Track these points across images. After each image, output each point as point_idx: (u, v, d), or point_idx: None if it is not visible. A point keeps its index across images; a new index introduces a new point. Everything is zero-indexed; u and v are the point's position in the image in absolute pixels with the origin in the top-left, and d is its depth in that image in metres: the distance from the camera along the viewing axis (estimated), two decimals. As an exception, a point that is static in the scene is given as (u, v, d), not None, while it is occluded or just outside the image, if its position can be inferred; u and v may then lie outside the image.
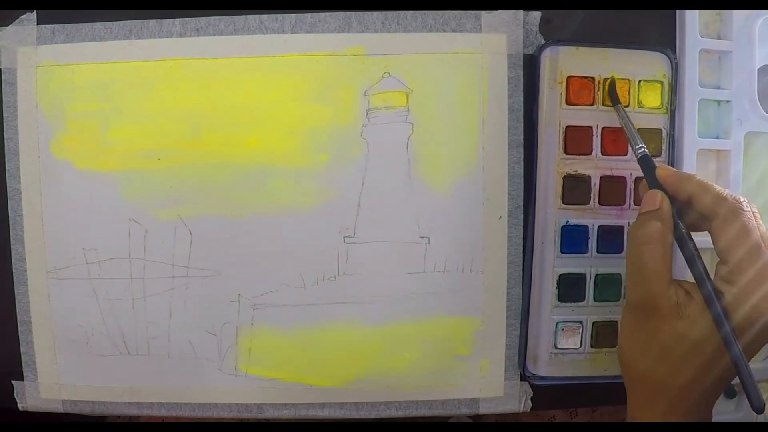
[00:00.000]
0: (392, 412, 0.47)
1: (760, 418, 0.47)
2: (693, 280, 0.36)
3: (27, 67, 0.45)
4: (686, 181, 0.37)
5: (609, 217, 0.44)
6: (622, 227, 0.44)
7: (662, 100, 0.44)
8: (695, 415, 0.37)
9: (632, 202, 0.44)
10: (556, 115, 0.44)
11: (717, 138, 0.46)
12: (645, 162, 0.40)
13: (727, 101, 0.45)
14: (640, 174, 0.43)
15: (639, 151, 0.40)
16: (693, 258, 0.36)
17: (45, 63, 0.45)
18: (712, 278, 0.36)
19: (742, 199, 0.35)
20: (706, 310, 0.35)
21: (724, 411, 0.48)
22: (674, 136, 0.44)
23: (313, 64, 0.45)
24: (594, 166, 0.44)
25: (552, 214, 0.44)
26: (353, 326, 0.46)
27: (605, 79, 0.44)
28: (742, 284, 0.34)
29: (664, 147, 0.44)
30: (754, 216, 0.35)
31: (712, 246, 0.45)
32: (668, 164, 0.44)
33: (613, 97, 0.43)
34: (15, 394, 0.48)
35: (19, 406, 0.48)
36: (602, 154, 0.44)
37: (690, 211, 0.37)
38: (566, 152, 0.44)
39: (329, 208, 0.45)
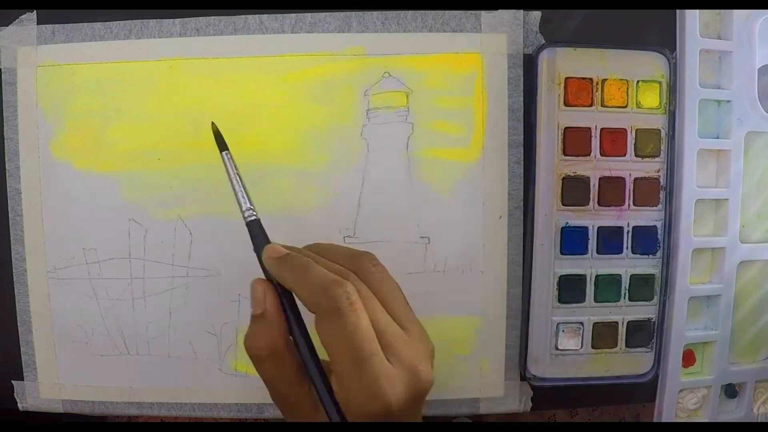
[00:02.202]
0: (392, 412, 0.47)
1: (756, 418, 0.47)
2: None
3: (27, 67, 0.45)
4: (285, 271, 0.33)
5: (608, 217, 0.44)
6: (621, 228, 0.44)
7: (661, 100, 0.44)
8: None
9: (632, 203, 0.44)
10: (554, 116, 0.44)
11: (717, 138, 0.45)
12: (253, 229, 0.35)
13: (728, 101, 0.45)
14: (640, 174, 0.44)
15: (248, 215, 0.35)
16: (307, 360, 0.33)
17: (45, 63, 0.45)
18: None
19: (346, 289, 0.31)
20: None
21: (724, 411, 0.48)
22: (673, 136, 0.44)
23: (313, 63, 0.45)
24: (593, 167, 0.44)
25: (552, 215, 0.44)
26: (353, 326, 0.46)
27: (604, 80, 0.43)
28: (356, 392, 0.31)
29: (663, 147, 0.44)
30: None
31: (712, 246, 0.46)
32: (667, 165, 0.44)
33: (219, 143, 0.38)
34: (15, 394, 0.48)
35: (19, 406, 0.48)
36: (601, 155, 0.44)
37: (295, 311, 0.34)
38: (565, 153, 0.44)
39: (329, 208, 0.45)
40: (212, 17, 0.45)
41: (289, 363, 0.33)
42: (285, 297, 0.34)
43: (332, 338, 0.31)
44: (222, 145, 0.37)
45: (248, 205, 0.35)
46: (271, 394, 0.34)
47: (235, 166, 0.37)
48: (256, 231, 0.36)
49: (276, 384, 0.34)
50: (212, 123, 0.39)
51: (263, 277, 0.35)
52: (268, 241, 0.35)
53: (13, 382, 0.48)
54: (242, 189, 0.36)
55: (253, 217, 0.35)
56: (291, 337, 0.34)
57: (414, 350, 0.33)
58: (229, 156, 0.37)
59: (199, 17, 0.45)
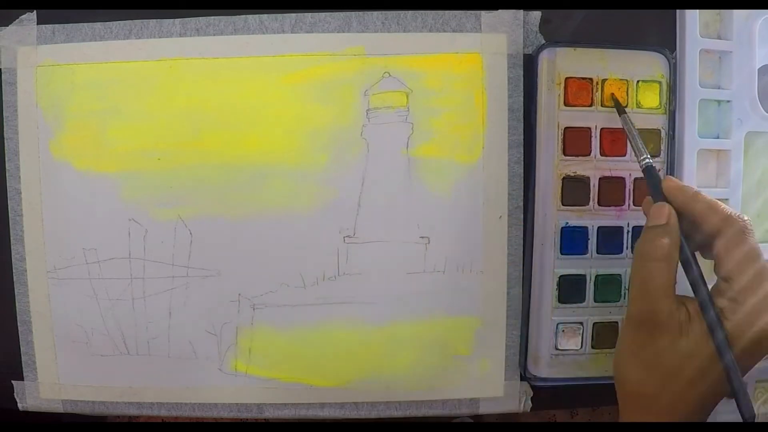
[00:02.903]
0: (392, 412, 0.47)
1: (762, 418, 0.47)
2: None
3: (27, 67, 0.45)
4: (693, 199, 0.37)
5: (608, 217, 0.44)
6: (621, 228, 0.44)
7: (661, 100, 0.44)
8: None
9: (631, 203, 0.44)
10: (554, 116, 0.44)
11: (717, 138, 0.45)
12: (650, 173, 0.39)
13: (728, 101, 0.45)
14: (639, 175, 0.44)
15: (644, 162, 0.40)
16: (697, 282, 0.36)
17: (45, 63, 0.45)
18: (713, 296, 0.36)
19: (746, 218, 0.35)
20: (704, 329, 0.35)
21: (725, 411, 0.48)
22: (673, 136, 0.44)
23: (313, 63, 0.45)
24: (593, 167, 0.44)
25: (552, 215, 0.44)
26: (353, 326, 0.46)
27: (604, 80, 0.44)
28: (748, 307, 0.34)
29: (663, 147, 0.44)
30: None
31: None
32: (667, 165, 0.44)
33: (618, 108, 0.43)
34: (15, 394, 0.48)
35: (19, 406, 0.48)
36: (601, 155, 0.44)
37: (694, 229, 0.37)
38: (565, 154, 0.44)
39: (329, 208, 0.45)
40: (212, 17, 0.45)
41: (674, 273, 0.36)
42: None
43: (737, 256, 0.34)
44: (621, 110, 0.43)
45: (644, 155, 0.40)
46: (640, 304, 0.37)
47: (632, 125, 0.42)
48: (653, 173, 0.39)
49: (655, 290, 0.36)
50: (612, 94, 0.44)
51: None
52: (660, 178, 0.39)
53: (13, 382, 0.48)
54: (641, 143, 0.41)
55: (647, 163, 0.39)
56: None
57: None
58: (628, 117, 0.42)
59: (199, 17, 0.45)
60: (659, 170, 0.44)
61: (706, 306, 0.35)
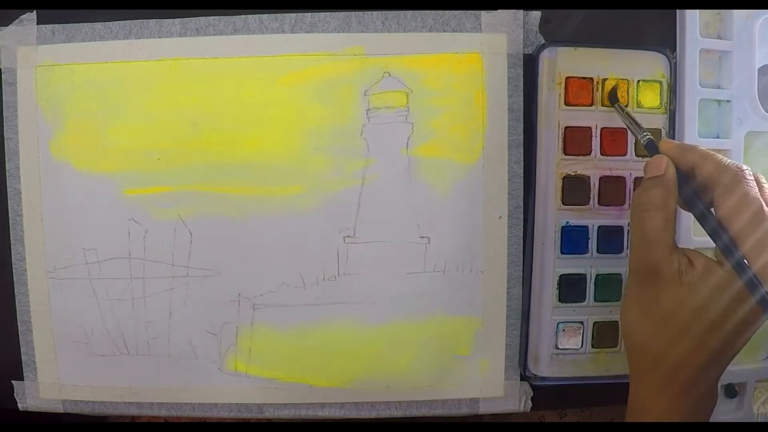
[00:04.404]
0: (392, 412, 0.47)
1: (756, 418, 0.47)
2: (694, 249, 0.37)
3: (27, 67, 0.45)
4: (688, 151, 0.37)
5: (609, 217, 0.44)
6: (621, 227, 0.44)
7: (661, 100, 0.44)
8: (692, 393, 0.37)
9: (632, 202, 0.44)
10: (555, 116, 0.44)
11: (717, 138, 0.46)
12: (650, 146, 0.39)
13: (728, 101, 0.45)
14: (640, 174, 0.44)
15: (644, 138, 0.40)
16: (716, 231, 0.35)
17: (45, 63, 0.45)
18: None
19: (744, 167, 0.35)
20: (707, 279, 0.35)
21: (725, 411, 0.48)
22: (673, 135, 0.44)
23: (313, 63, 0.45)
24: (593, 167, 0.44)
25: (552, 214, 0.44)
26: (353, 326, 0.46)
27: (604, 80, 0.44)
28: (744, 251, 0.34)
29: (663, 147, 0.44)
30: (759, 183, 0.35)
31: (712, 246, 0.45)
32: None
33: (612, 97, 0.43)
34: (15, 394, 0.48)
35: (19, 406, 0.48)
36: (601, 154, 0.44)
37: (693, 181, 0.37)
38: (565, 153, 0.44)
39: (329, 208, 0.45)
40: (212, 17, 0.45)
41: (672, 223, 0.36)
42: (680, 174, 0.37)
43: (734, 205, 0.34)
44: (614, 99, 0.44)
45: (643, 131, 0.40)
46: (639, 255, 0.37)
47: (625, 109, 0.43)
48: (654, 145, 0.39)
49: (653, 240, 0.36)
50: (616, 83, 0.44)
51: None
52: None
53: (13, 382, 0.48)
54: (637, 122, 0.41)
55: (647, 138, 0.40)
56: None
57: None
58: (619, 105, 0.43)
59: (199, 17, 0.45)
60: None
61: (729, 251, 0.34)
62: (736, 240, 0.34)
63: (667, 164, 0.37)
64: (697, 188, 0.37)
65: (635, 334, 0.38)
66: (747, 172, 0.35)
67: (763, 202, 0.34)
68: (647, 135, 0.40)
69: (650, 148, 0.39)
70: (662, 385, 0.37)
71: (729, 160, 0.36)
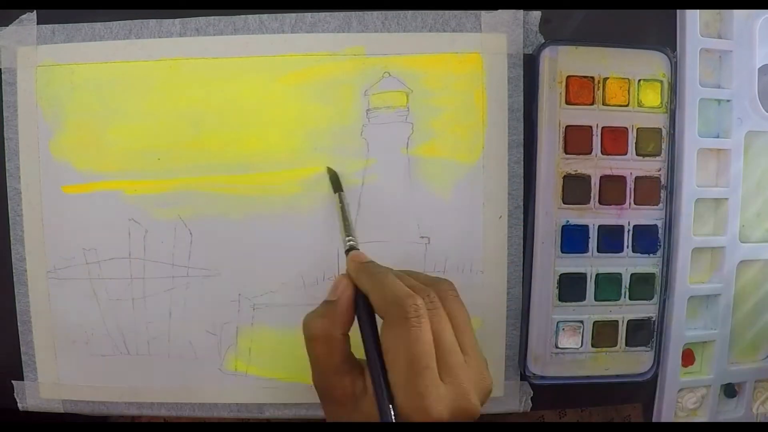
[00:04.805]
0: (392, 412, 0.47)
1: (756, 418, 0.47)
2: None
3: (27, 67, 0.45)
4: (364, 275, 0.36)
5: (609, 216, 0.44)
6: (622, 227, 0.44)
7: (662, 99, 0.44)
8: None
9: (632, 202, 0.44)
10: (555, 114, 0.44)
11: (717, 137, 0.46)
12: (350, 250, 0.39)
13: (728, 100, 0.45)
14: (641, 173, 0.44)
15: (346, 245, 0.39)
16: (370, 360, 0.34)
17: (45, 63, 0.45)
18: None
19: (417, 303, 0.33)
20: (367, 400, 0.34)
21: (724, 411, 0.48)
22: (674, 135, 0.44)
23: (313, 63, 0.45)
24: (594, 166, 0.44)
25: (552, 213, 0.44)
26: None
27: (605, 78, 0.44)
28: (405, 400, 0.32)
29: (663, 146, 0.44)
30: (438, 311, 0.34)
31: (712, 245, 0.46)
32: (667, 164, 0.44)
33: (335, 184, 0.44)
34: (15, 394, 0.48)
35: (19, 406, 0.48)
36: (602, 153, 0.44)
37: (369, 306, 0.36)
38: (566, 152, 0.44)
39: (329, 208, 0.45)
40: (212, 17, 0.45)
41: (339, 352, 0.35)
42: (362, 300, 0.36)
43: (393, 345, 0.33)
44: (337, 187, 0.44)
45: (349, 236, 0.40)
46: (314, 376, 0.36)
47: (344, 205, 0.43)
48: (352, 249, 0.39)
49: (321, 367, 0.36)
50: (328, 168, 0.45)
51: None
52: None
53: (13, 382, 0.48)
54: (349, 225, 0.41)
55: (348, 245, 0.40)
56: (353, 334, 0.36)
57: (469, 379, 0.34)
58: (343, 196, 0.43)
59: (199, 17, 0.45)
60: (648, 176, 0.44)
61: (376, 383, 0.33)
62: (391, 382, 0.33)
63: (344, 289, 0.36)
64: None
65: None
66: (417, 307, 0.33)
67: (424, 345, 0.32)
68: (349, 242, 0.40)
69: (349, 250, 0.39)
70: None
71: (403, 292, 0.34)
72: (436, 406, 0.32)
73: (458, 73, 0.45)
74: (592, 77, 0.44)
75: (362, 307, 0.36)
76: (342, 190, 0.43)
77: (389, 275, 0.35)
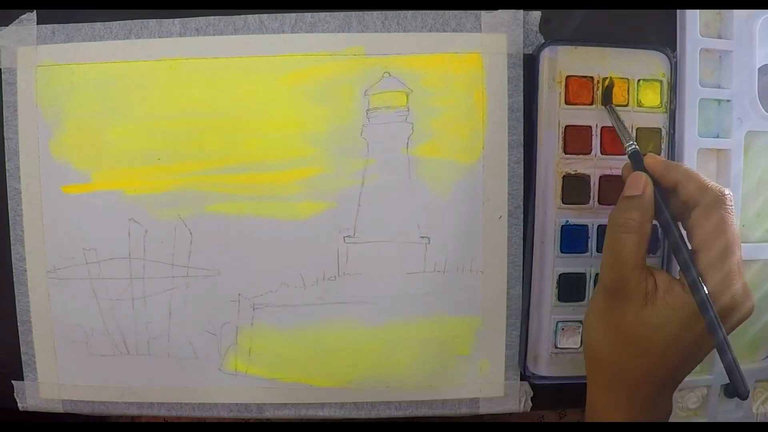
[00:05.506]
0: (392, 412, 0.47)
1: (756, 418, 0.47)
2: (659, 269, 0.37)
3: (27, 67, 0.45)
4: (673, 168, 0.37)
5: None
6: (622, 227, 0.44)
7: (662, 99, 0.44)
8: (653, 405, 0.38)
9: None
10: (555, 114, 0.44)
11: (717, 137, 0.45)
12: (635, 157, 0.39)
13: (728, 100, 0.45)
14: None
15: (629, 148, 0.40)
16: (678, 245, 0.36)
17: (45, 63, 0.45)
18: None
19: (726, 192, 0.35)
20: (668, 298, 0.35)
21: (724, 411, 0.48)
22: (674, 135, 0.44)
23: (313, 63, 0.45)
24: (593, 166, 0.44)
25: (552, 213, 0.44)
26: (353, 326, 0.46)
27: (604, 79, 0.44)
28: (712, 283, 0.34)
29: (663, 146, 0.44)
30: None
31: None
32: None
33: (606, 97, 0.43)
34: (15, 394, 0.48)
35: (19, 406, 0.48)
36: (602, 153, 0.44)
37: (674, 199, 0.37)
38: (566, 152, 0.44)
39: (329, 208, 0.45)
40: (212, 17, 0.45)
41: (645, 244, 0.37)
42: (658, 190, 0.37)
43: (710, 227, 0.35)
44: (607, 100, 0.43)
45: (629, 141, 0.40)
46: (609, 273, 0.37)
47: (617, 114, 0.42)
48: (638, 157, 0.39)
49: (624, 260, 0.36)
50: (609, 80, 0.44)
51: None
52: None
53: (13, 382, 0.48)
54: (625, 130, 0.41)
55: (633, 148, 0.40)
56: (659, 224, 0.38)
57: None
58: (613, 108, 0.43)
59: (199, 17, 0.45)
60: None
61: (686, 267, 0.35)
62: (700, 263, 0.35)
63: (645, 184, 0.37)
64: (678, 205, 0.37)
65: (599, 348, 0.38)
66: (729, 197, 0.35)
67: (736, 230, 0.35)
68: (633, 145, 0.40)
69: (634, 159, 0.39)
70: (627, 398, 0.38)
71: (713, 183, 0.36)
72: (739, 290, 0.34)
73: (458, 73, 0.45)
74: (592, 77, 0.44)
75: (661, 199, 0.37)
76: (611, 102, 0.43)
77: (691, 169, 0.37)
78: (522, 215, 0.46)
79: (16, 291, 0.46)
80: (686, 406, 0.47)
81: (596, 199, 0.44)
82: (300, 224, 0.45)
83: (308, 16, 0.45)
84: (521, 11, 0.45)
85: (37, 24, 0.45)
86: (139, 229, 0.46)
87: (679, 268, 0.36)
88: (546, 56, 0.43)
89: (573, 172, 0.44)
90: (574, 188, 0.44)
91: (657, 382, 0.37)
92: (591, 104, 0.44)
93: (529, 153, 0.45)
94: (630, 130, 0.43)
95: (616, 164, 0.44)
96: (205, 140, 0.45)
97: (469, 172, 0.45)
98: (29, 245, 0.46)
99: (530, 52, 0.45)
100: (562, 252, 0.44)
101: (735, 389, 0.34)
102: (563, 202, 0.44)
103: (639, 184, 0.37)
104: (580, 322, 0.45)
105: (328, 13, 0.45)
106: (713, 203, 0.35)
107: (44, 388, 0.48)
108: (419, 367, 0.47)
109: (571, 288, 0.45)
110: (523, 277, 0.46)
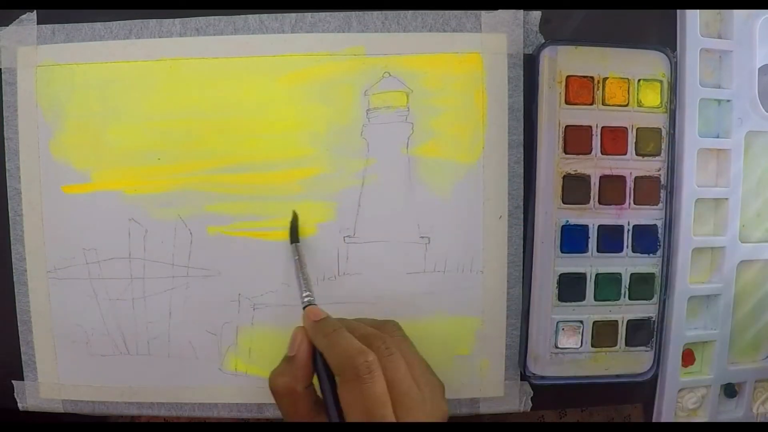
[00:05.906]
0: (392, 412, 0.47)
1: (756, 418, 0.47)
2: None
3: (27, 67, 0.45)
4: (319, 334, 0.37)
5: (609, 216, 0.44)
6: (622, 226, 0.44)
7: (662, 99, 0.44)
8: None
9: (632, 202, 0.44)
10: (555, 114, 0.44)
11: (717, 137, 0.45)
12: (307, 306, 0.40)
13: (728, 100, 0.45)
14: (640, 173, 0.44)
15: (305, 299, 0.40)
16: (330, 407, 0.36)
17: (45, 63, 0.45)
18: None
19: (365, 361, 0.34)
20: None
21: (724, 411, 0.48)
22: (674, 135, 0.44)
23: (313, 63, 0.45)
24: (594, 166, 0.44)
25: (552, 213, 0.44)
26: (353, 326, 0.46)
27: (605, 78, 0.43)
28: None
29: (663, 146, 0.44)
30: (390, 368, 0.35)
31: (712, 245, 0.46)
32: (667, 164, 0.44)
33: (293, 235, 0.44)
34: (15, 394, 0.48)
35: (19, 406, 0.48)
36: (602, 153, 0.44)
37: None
38: (566, 152, 0.44)
39: (329, 208, 0.45)
40: (212, 17, 0.45)
41: (303, 403, 0.37)
42: (319, 353, 0.37)
43: (350, 401, 0.34)
44: (294, 238, 0.44)
45: (306, 292, 0.40)
46: (285, 420, 0.38)
47: (302, 258, 0.43)
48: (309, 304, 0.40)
49: (290, 418, 0.37)
50: (293, 212, 0.45)
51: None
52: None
53: (13, 382, 0.48)
54: (307, 280, 0.41)
55: (307, 300, 0.40)
56: (313, 385, 0.37)
57: (426, 414, 0.36)
58: (300, 248, 0.44)
59: (199, 17, 0.45)
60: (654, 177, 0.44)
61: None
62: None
63: (300, 343, 0.37)
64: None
65: None
66: (363, 367, 0.34)
67: (379, 398, 0.34)
68: (306, 297, 0.40)
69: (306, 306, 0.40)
70: None
71: (353, 349, 0.35)
72: None
73: (458, 73, 0.45)
74: (592, 77, 0.44)
75: (320, 360, 0.37)
76: (299, 242, 0.44)
77: (341, 332, 0.36)
78: (522, 215, 0.46)
79: (16, 291, 0.46)
80: (686, 406, 0.47)
81: (596, 199, 0.44)
82: (300, 224, 0.45)
83: (308, 16, 0.45)
84: (521, 11, 0.45)
85: (37, 24, 0.45)
86: (139, 229, 0.46)
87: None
88: (546, 56, 0.43)
89: (573, 172, 0.44)
90: (574, 188, 0.44)
91: None
92: (591, 104, 0.44)
93: (529, 153, 0.45)
94: (630, 130, 0.43)
95: (617, 164, 0.44)
96: (205, 140, 0.45)
97: (469, 172, 0.45)
98: (29, 245, 0.46)
99: (530, 52, 0.45)
100: (562, 252, 0.44)
101: None
102: (563, 202, 0.44)
103: (294, 343, 0.37)
104: (581, 321, 0.45)
105: (328, 13, 0.45)
106: (350, 381, 0.34)
107: (44, 388, 0.48)
108: (419, 367, 0.47)
109: (571, 288, 0.45)
110: (523, 277, 0.46)
